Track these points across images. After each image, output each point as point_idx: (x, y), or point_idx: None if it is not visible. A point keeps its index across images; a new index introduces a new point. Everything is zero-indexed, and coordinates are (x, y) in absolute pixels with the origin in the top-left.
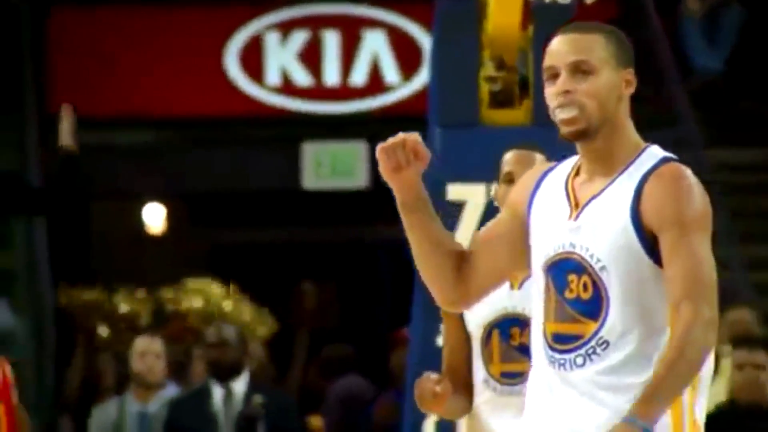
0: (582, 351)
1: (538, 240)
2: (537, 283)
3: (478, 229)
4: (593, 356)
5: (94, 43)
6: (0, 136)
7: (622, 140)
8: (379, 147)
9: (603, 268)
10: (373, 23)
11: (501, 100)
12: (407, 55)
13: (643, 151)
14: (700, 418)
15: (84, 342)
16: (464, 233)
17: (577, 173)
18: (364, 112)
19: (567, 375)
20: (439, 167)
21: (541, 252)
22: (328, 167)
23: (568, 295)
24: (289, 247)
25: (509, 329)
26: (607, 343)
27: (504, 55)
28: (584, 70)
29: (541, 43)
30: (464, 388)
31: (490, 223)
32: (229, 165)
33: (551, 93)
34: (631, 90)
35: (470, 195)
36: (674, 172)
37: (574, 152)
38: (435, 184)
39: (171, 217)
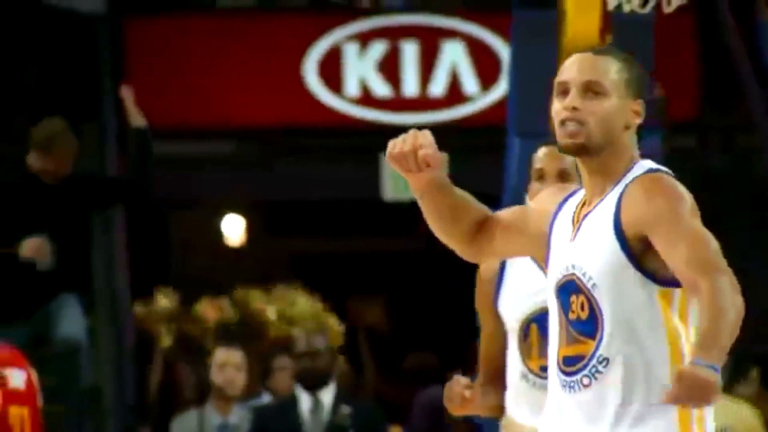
0: (586, 371)
1: (551, 265)
2: (552, 309)
3: None
4: (597, 375)
5: (173, 53)
6: (79, 144)
7: (618, 165)
8: (388, 156)
9: (594, 285)
10: (452, 34)
11: None
12: (486, 65)
13: (633, 165)
14: (709, 429)
15: (163, 352)
16: None
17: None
18: (443, 123)
19: (575, 396)
20: (518, 176)
21: (553, 277)
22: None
23: (571, 316)
24: (367, 256)
25: (548, 323)
26: (607, 360)
27: None
28: (595, 91)
29: None
30: (498, 380)
31: (517, 211)
32: (307, 175)
33: (558, 108)
34: (639, 121)
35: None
36: (651, 178)
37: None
38: (514, 193)
39: (250, 227)
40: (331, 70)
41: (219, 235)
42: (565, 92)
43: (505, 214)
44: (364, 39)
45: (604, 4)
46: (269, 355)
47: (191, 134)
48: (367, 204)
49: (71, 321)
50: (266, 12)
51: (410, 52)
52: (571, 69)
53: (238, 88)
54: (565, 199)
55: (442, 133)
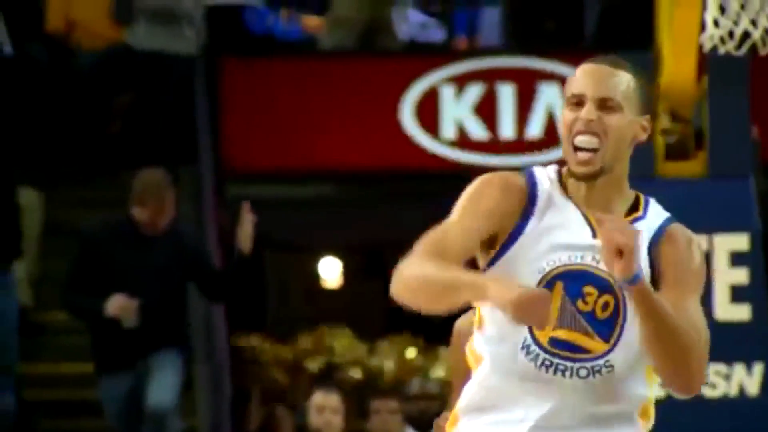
0: (588, 365)
1: (540, 245)
2: (529, 282)
3: None
4: (597, 375)
5: (269, 95)
6: (176, 189)
7: (622, 184)
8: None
9: (627, 296)
10: (548, 76)
11: (676, 153)
12: None
13: (647, 202)
14: None
15: (260, 394)
16: None
17: (570, 193)
18: (539, 165)
19: (563, 380)
20: None
21: (546, 258)
22: None
23: (582, 306)
24: None
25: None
26: (612, 367)
27: (679, 107)
28: (610, 107)
29: (716, 96)
30: None
31: (469, 236)
32: (404, 218)
33: (572, 118)
34: (645, 137)
35: None
36: (682, 233)
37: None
38: None
39: (346, 270)
40: (428, 113)
41: (316, 277)
42: (579, 104)
43: (455, 244)
44: (461, 81)
45: (700, 45)
46: (362, 396)
47: (288, 177)
48: None
49: (163, 386)
50: (364, 54)
51: (507, 94)
52: (586, 82)
53: (334, 130)
54: (532, 184)
55: None
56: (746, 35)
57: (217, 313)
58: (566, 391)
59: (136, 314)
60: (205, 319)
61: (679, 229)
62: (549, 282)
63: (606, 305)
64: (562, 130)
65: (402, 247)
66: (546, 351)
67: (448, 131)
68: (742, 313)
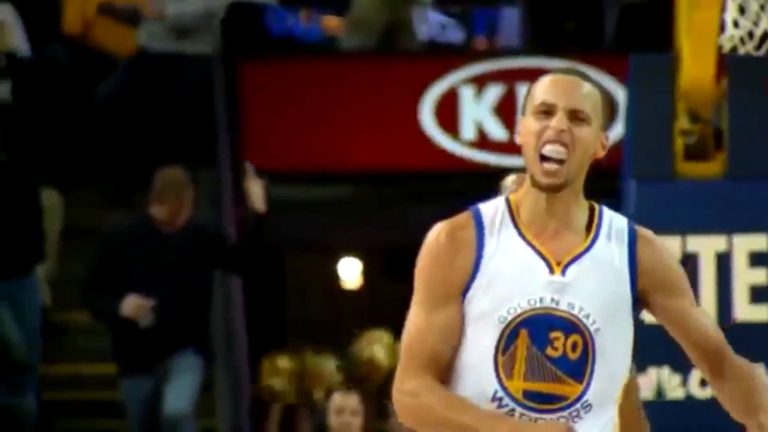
0: (566, 413)
1: (496, 294)
2: (480, 336)
3: None
4: (576, 419)
5: (289, 96)
6: (195, 191)
7: (580, 196)
8: None
9: (598, 329)
10: None
11: (695, 153)
12: None
13: (600, 211)
14: None
15: (280, 396)
16: None
17: (521, 224)
18: None
19: None
20: (635, 219)
21: (504, 305)
22: None
23: (551, 353)
24: None
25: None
26: (590, 406)
27: (698, 108)
28: (581, 119)
29: (736, 96)
30: None
31: (448, 333)
32: (423, 218)
33: (538, 127)
34: (603, 154)
35: None
36: (653, 237)
37: None
38: None
39: (366, 271)
40: (448, 113)
41: (335, 278)
42: (547, 113)
43: (438, 341)
44: (481, 82)
45: (720, 46)
46: (382, 397)
47: (307, 178)
48: None
49: (180, 391)
50: (384, 55)
51: None
52: (556, 92)
53: (354, 131)
54: (479, 227)
55: None
56: (766, 36)
57: (237, 317)
58: None
59: (151, 314)
60: (225, 323)
61: (648, 232)
62: (512, 331)
63: (575, 345)
64: (525, 138)
65: (421, 247)
66: (521, 405)
67: (468, 132)
68: (761, 313)
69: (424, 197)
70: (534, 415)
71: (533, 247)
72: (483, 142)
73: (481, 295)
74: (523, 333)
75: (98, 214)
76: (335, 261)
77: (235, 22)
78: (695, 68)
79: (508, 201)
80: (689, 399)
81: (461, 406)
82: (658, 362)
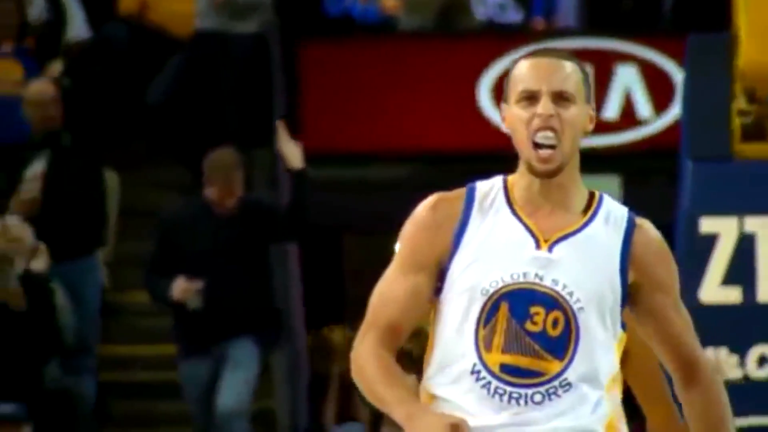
0: (542, 389)
1: (479, 267)
2: (462, 309)
3: (732, 262)
4: (553, 396)
5: (347, 77)
6: (252, 171)
7: (576, 177)
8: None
9: (582, 308)
10: (626, 57)
11: (753, 134)
12: (659, 89)
13: (601, 197)
14: None
15: (338, 379)
16: (716, 266)
17: (515, 202)
18: (616, 146)
19: (517, 410)
20: (691, 199)
21: (487, 278)
22: None
23: (530, 327)
24: None
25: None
26: (569, 385)
27: (756, 88)
28: (566, 99)
29: None
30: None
31: (408, 298)
32: None
33: (526, 116)
34: (592, 126)
35: (722, 228)
36: (656, 233)
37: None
38: (688, 218)
39: None
40: None
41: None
42: (531, 99)
43: (404, 315)
44: None
45: None
46: None
47: (365, 159)
48: None
49: (234, 387)
50: (442, 36)
51: None
52: (538, 76)
53: (412, 112)
54: (469, 201)
55: (615, 156)
56: None
57: (294, 297)
58: (524, 418)
59: (200, 296)
60: (283, 303)
61: (648, 223)
62: (494, 304)
63: (556, 322)
64: (514, 126)
65: None
66: (498, 378)
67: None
68: None
69: (482, 177)
70: (509, 389)
71: (524, 223)
72: None
73: (464, 269)
74: (504, 306)
75: (156, 194)
76: (393, 242)
77: (293, 2)
78: (753, 48)
79: (505, 180)
80: (746, 380)
81: (389, 381)
82: (716, 343)
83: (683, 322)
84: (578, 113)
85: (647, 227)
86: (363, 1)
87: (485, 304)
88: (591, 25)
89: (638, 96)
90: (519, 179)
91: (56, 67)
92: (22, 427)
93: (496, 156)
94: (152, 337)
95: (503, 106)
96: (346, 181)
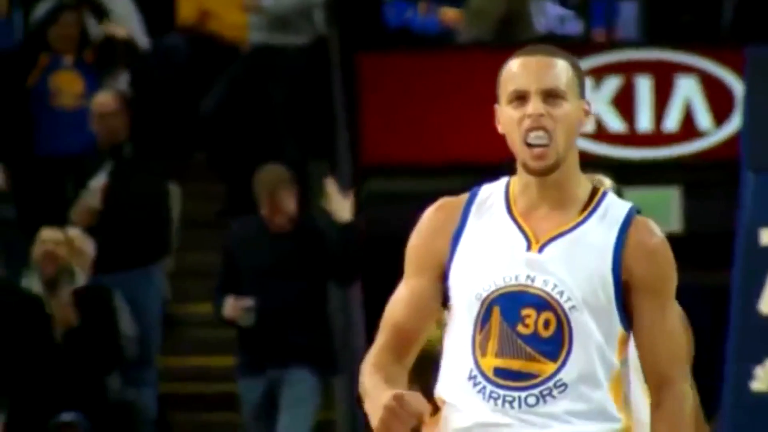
0: (536, 391)
1: (475, 270)
2: (462, 314)
3: None
4: (548, 398)
5: (407, 89)
6: (311, 183)
7: (576, 174)
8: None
9: (573, 308)
10: (686, 69)
11: None
12: (719, 100)
13: (603, 194)
14: None
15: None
16: None
17: (515, 203)
18: (676, 158)
19: (513, 413)
20: (752, 211)
21: (481, 282)
22: (643, 213)
23: (522, 330)
24: None
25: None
26: (565, 386)
27: None
28: (556, 97)
29: None
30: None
31: (412, 301)
32: None
33: (517, 116)
34: (588, 121)
35: None
36: (653, 230)
37: None
38: (747, 230)
39: None
40: None
41: None
42: (521, 99)
43: (410, 323)
44: (599, 74)
45: None
46: None
47: (425, 170)
48: None
49: (295, 424)
50: (502, 47)
51: (644, 86)
52: (528, 75)
53: (472, 123)
54: (468, 206)
55: (676, 168)
56: None
57: (356, 312)
58: (518, 424)
59: (250, 314)
60: (343, 326)
61: (646, 224)
62: (487, 309)
63: (547, 323)
64: (507, 128)
65: None
66: (492, 382)
67: (586, 124)
68: None
69: None
70: (503, 392)
71: (517, 224)
72: (601, 134)
73: (460, 274)
74: (496, 310)
75: (217, 206)
76: None
77: (353, 13)
78: None
79: (507, 182)
80: None
81: (374, 392)
82: None
83: (665, 333)
84: (571, 110)
85: (645, 225)
86: (423, 12)
87: (480, 309)
88: (651, 37)
89: (698, 107)
90: (518, 180)
91: (122, 79)
92: None
93: None
94: (213, 349)
95: (496, 107)
96: (405, 193)
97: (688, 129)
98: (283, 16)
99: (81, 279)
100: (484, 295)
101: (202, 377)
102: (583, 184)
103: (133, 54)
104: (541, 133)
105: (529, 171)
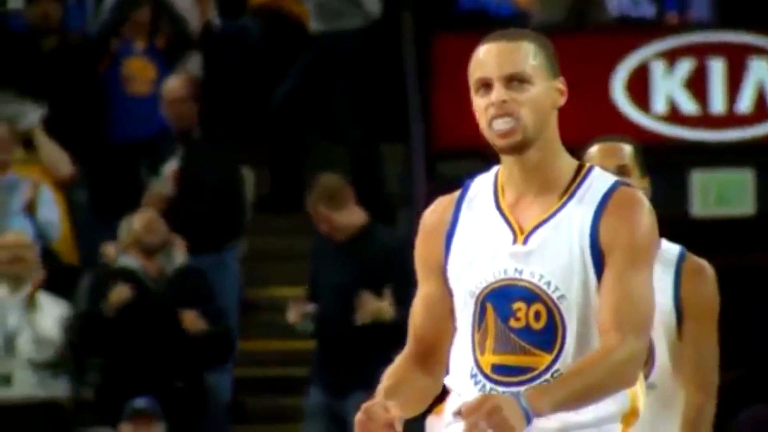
0: (534, 384)
1: (467, 268)
2: (461, 313)
3: None
4: None
5: None
6: (384, 167)
7: (557, 155)
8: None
9: (562, 296)
10: (759, 51)
11: None
12: None
13: (588, 172)
14: None
15: None
16: None
17: (502, 193)
18: (749, 140)
19: None
20: None
21: (473, 279)
22: (715, 195)
23: (514, 324)
24: None
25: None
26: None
27: None
28: (519, 81)
29: None
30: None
31: (426, 305)
32: None
33: (483, 105)
34: (563, 100)
35: None
36: (631, 198)
37: None
38: None
39: None
40: (639, 88)
41: None
42: (486, 87)
43: (420, 318)
44: (672, 56)
45: None
46: None
47: (494, 154)
48: (676, 221)
49: None
50: (575, 30)
51: (717, 68)
52: (489, 63)
53: None
54: (459, 202)
55: (749, 150)
56: None
57: None
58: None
59: (308, 320)
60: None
61: (625, 193)
62: (481, 306)
63: (538, 314)
64: (478, 117)
65: None
66: (491, 379)
67: (659, 106)
68: None
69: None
70: (502, 388)
71: (504, 216)
72: (674, 116)
73: (457, 272)
74: (489, 306)
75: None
76: None
77: None
78: None
79: (497, 171)
80: None
81: (386, 381)
82: None
83: (623, 288)
84: (539, 92)
85: (623, 195)
86: None
87: (475, 308)
88: (724, 19)
89: None
90: (503, 168)
91: (194, 61)
92: (155, 423)
93: None
94: (288, 333)
95: (472, 96)
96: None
97: (761, 111)
98: (331, 2)
99: (180, 257)
100: (477, 292)
101: (276, 361)
102: (566, 163)
103: (206, 36)
104: (506, 119)
105: (500, 150)
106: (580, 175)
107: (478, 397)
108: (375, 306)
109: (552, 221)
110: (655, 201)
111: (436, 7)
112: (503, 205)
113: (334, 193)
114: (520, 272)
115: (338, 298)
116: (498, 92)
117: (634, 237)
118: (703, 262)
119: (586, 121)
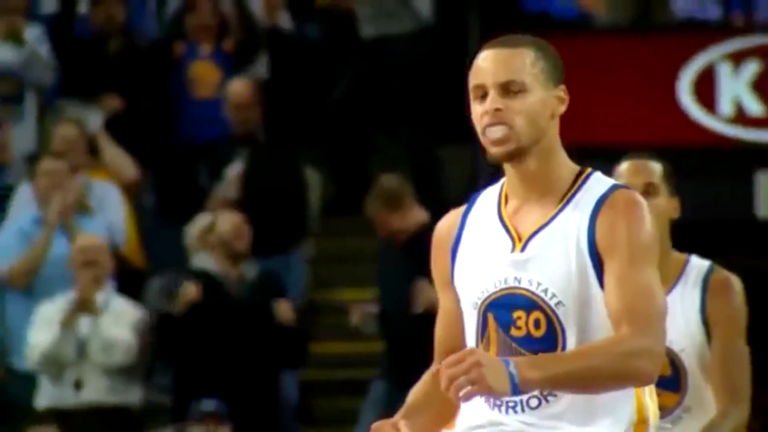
0: (536, 392)
1: (470, 279)
2: (467, 325)
3: None
4: (549, 397)
5: None
6: (449, 169)
7: (557, 162)
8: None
9: (559, 303)
10: None
11: None
12: None
13: (587, 177)
14: None
15: None
16: None
17: (505, 201)
18: None
19: (519, 417)
20: None
21: (475, 290)
22: None
23: (515, 333)
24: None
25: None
26: None
27: None
28: (515, 90)
29: None
30: None
31: (445, 319)
32: (682, 195)
33: (479, 113)
34: (564, 108)
35: None
36: (627, 199)
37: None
38: None
39: None
40: (705, 89)
41: None
42: (483, 95)
43: (443, 330)
44: (738, 58)
45: None
46: None
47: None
48: (742, 223)
49: None
50: (640, 32)
51: None
52: (485, 70)
53: (611, 108)
54: (465, 213)
55: None
56: None
57: None
58: (525, 428)
59: (370, 322)
60: None
61: (621, 195)
62: (484, 316)
63: (537, 322)
64: (475, 125)
65: (683, 223)
66: None
67: (726, 108)
68: None
69: (681, 174)
70: (505, 398)
71: (504, 224)
72: (740, 117)
73: (462, 283)
74: (491, 316)
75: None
76: None
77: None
78: None
79: (503, 181)
80: None
81: (414, 394)
82: None
83: (623, 297)
84: (536, 100)
85: (619, 197)
86: None
87: (478, 318)
88: None
89: None
90: (506, 177)
91: (260, 63)
92: (223, 425)
93: (695, 151)
94: (355, 335)
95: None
96: None
97: None
98: (383, 6)
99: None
100: (479, 303)
101: (343, 363)
102: (567, 170)
103: (275, 40)
104: (499, 127)
105: (494, 158)
106: (579, 180)
107: (464, 350)
108: (431, 293)
109: (549, 227)
110: (721, 203)
111: (500, 9)
112: (504, 214)
113: (392, 195)
114: (519, 280)
115: (400, 298)
116: (492, 100)
117: (631, 235)
118: (731, 275)
119: (652, 123)
